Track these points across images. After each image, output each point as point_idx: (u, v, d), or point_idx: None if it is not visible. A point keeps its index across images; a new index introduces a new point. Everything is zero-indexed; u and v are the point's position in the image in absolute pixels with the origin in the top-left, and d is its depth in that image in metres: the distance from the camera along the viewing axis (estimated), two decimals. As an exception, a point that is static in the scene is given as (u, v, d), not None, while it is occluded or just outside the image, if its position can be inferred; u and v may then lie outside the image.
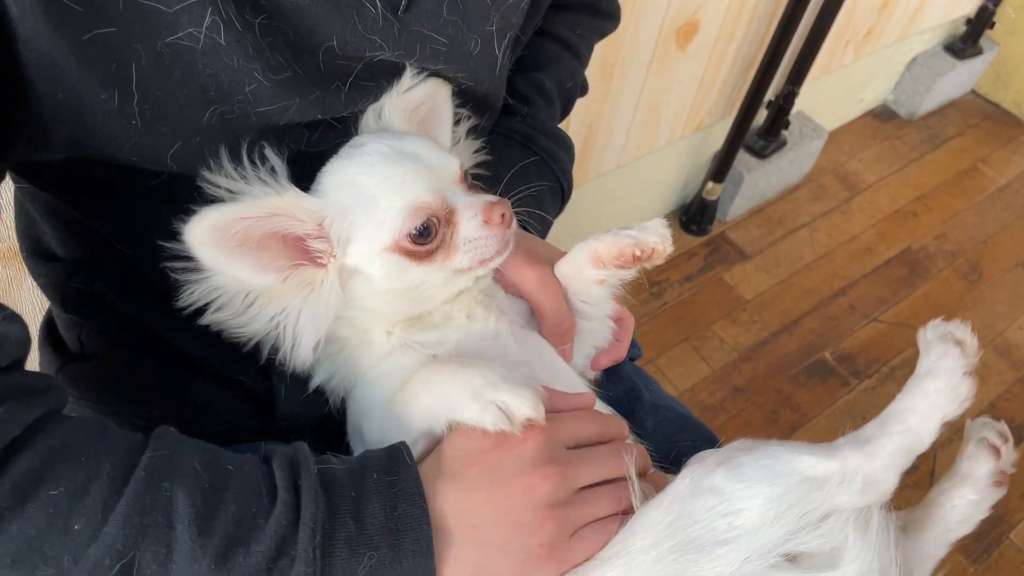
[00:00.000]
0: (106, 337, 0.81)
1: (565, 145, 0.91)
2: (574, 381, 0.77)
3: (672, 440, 0.76)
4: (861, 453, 0.63)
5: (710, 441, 0.87)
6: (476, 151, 0.81)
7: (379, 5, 0.66)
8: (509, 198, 0.73)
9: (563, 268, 0.76)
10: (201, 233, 0.61)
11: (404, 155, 0.67)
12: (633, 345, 0.95)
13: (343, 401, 0.75)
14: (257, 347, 0.71)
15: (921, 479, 1.78)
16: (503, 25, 0.75)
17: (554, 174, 0.88)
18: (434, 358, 0.71)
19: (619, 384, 0.89)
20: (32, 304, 1.20)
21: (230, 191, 0.63)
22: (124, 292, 0.78)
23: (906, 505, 0.75)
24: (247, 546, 0.55)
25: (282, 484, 0.57)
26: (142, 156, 0.64)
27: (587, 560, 0.64)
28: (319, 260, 0.68)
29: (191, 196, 0.68)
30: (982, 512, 0.71)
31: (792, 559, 0.63)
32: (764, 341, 2.22)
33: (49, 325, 0.88)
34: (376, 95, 0.72)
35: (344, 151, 0.70)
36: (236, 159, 0.65)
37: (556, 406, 0.67)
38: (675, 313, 2.24)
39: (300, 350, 0.68)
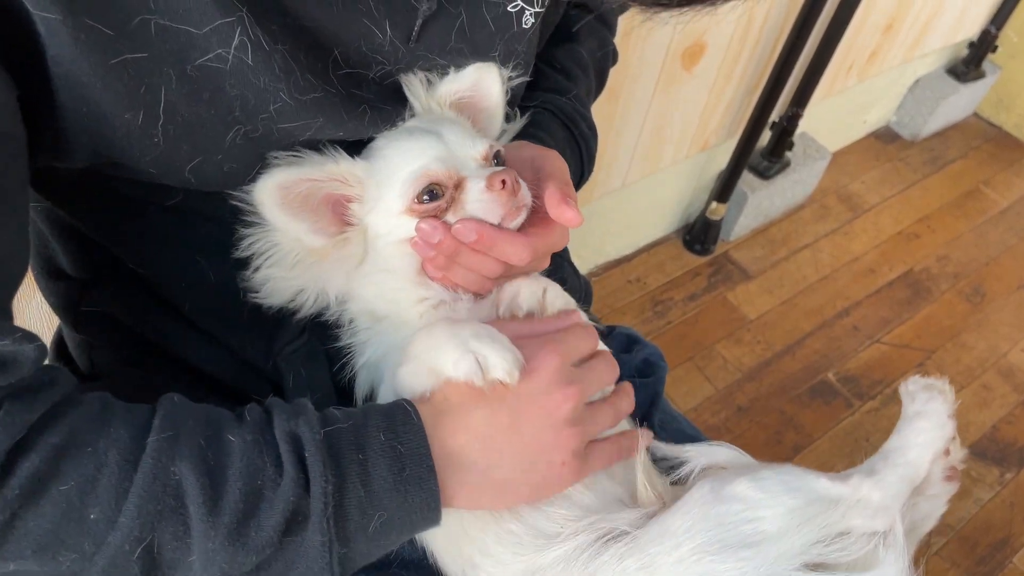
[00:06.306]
0: (117, 356, 0.81)
1: (595, 135, 0.96)
2: None
3: None
4: (871, 482, 0.70)
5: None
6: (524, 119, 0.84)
7: (389, 33, 0.68)
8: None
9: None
10: (268, 191, 0.66)
11: (425, 132, 0.71)
12: (656, 366, 0.97)
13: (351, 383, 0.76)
14: (274, 366, 0.74)
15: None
16: (507, 52, 0.77)
17: (582, 160, 0.92)
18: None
19: (640, 392, 0.90)
20: (41, 321, 1.20)
21: (292, 161, 0.68)
22: (136, 311, 0.79)
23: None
24: (257, 519, 0.57)
25: (287, 459, 0.58)
26: (160, 168, 0.65)
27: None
28: (355, 223, 0.72)
29: (205, 215, 0.69)
30: (941, 507, 0.77)
31: (813, 568, 0.67)
32: (767, 361, 2.22)
33: (60, 344, 0.88)
34: (396, 121, 0.74)
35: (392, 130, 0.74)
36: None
37: (546, 327, 0.71)
38: (678, 332, 2.24)
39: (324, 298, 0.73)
